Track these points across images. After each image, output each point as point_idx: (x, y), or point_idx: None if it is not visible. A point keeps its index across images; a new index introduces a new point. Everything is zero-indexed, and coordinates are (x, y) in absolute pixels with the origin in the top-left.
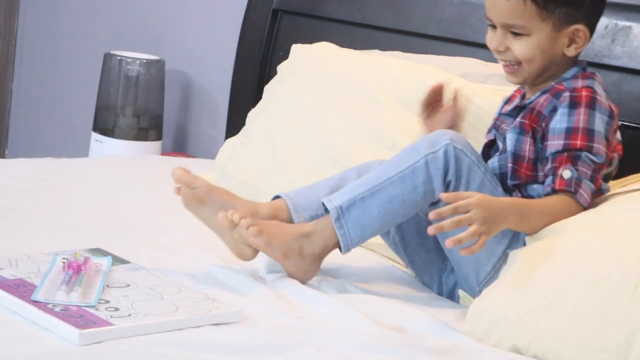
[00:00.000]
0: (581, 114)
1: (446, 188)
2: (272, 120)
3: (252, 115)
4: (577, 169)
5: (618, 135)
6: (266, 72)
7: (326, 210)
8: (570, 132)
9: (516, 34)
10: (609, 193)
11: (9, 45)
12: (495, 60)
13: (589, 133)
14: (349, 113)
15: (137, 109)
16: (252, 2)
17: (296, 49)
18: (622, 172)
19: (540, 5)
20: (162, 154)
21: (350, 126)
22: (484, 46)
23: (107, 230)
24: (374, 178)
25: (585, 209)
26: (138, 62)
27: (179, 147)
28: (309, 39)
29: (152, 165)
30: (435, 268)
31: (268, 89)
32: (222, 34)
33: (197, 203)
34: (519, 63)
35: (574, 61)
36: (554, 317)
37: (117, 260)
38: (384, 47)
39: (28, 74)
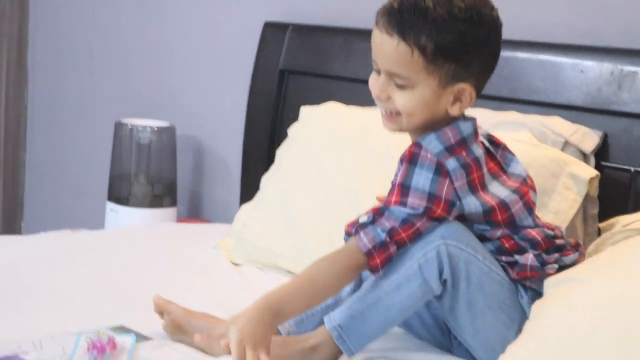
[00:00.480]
0: (401, 170)
1: (444, 285)
2: (285, 184)
3: (266, 180)
4: (374, 218)
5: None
6: (277, 133)
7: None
8: (390, 190)
9: (400, 86)
10: (622, 227)
11: (20, 117)
12: (506, 109)
13: (403, 189)
14: (359, 171)
15: (151, 176)
16: (258, 64)
17: (305, 110)
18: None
19: (429, 58)
20: (178, 221)
21: (362, 183)
22: (492, 98)
23: (129, 305)
24: (369, 291)
25: (365, 255)
26: (149, 129)
27: (194, 212)
28: (317, 98)
29: (168, 233)
30: (443, 345)
31: (280, 152)
32: (231, 97)
33: (176, 328)
34: (398, 113)
35: (456, 118)
36: None
37: (141, 337)
38: None
39: (40, 145)
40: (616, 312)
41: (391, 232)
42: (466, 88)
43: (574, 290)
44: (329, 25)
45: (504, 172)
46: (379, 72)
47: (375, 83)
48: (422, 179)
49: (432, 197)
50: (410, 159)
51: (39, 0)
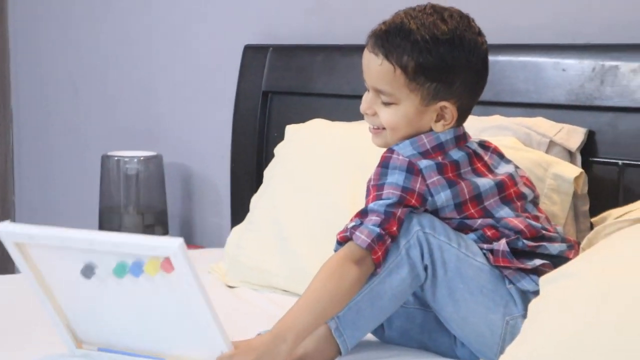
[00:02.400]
0: (373, 174)
1: (425, 271)
2: (274, 203)
3: (255, 200)
4: (361, 220)
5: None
6: (264, 154)
7: None
8: (367, 193)
9: (385, 102)
10: (614, 219)
11: (7, 157)
12: (490, 113)
13: (378, 187)
14: (346, 185)
15: (141, 206)
16: (241, 87)
17: (290, 129)
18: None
19: (410, 76)
20: None
21: (350, 198)
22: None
23: None
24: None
25: (367, 249)
26: (136, 160)
27: (187, 239)
28: (302, 116)
29: None
30: (447, 350)
31: (267, 172)
32: (215, 122)
33: None
34: (384, 128)
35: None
36: None
37: None
38: None
39: (28, 184)
40: (614, 305)
41: (382, 225)
42: (448, 106)
43: (569, 286)
44: (309, 44)
45: (491, 172)
46: (369, 91)
47: (365, 100)
48: (395, 177)
49: (405, 189)
50: (382, 163)
51: (19, 39)
